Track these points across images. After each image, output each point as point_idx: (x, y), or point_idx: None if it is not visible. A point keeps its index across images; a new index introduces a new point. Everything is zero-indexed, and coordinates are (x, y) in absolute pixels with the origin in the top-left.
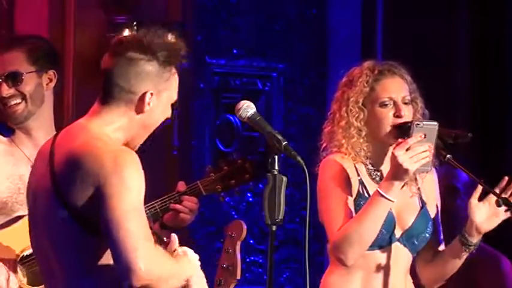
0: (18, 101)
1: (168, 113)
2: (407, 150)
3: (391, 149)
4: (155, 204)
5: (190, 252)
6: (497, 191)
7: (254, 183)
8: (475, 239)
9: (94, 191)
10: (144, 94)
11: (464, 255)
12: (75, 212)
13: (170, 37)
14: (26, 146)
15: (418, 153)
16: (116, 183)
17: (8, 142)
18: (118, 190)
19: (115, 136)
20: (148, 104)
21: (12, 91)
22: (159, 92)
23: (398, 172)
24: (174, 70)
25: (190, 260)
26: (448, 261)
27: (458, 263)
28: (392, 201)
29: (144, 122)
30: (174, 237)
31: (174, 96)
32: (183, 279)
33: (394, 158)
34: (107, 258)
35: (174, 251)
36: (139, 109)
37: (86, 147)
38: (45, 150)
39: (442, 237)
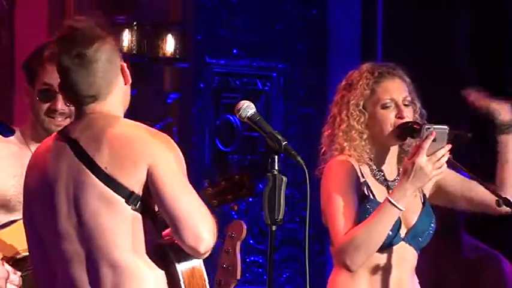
0: (66, 118)
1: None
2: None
3: (392, 149)
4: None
5: None
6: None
7: (254, 183)
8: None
9: (145, 171)
10: (122, 67)
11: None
12: (125, 194)
13: (86, 20)
14: (35, 146)
15: (439, 158)
16: (168, 162)
17: (19, 142)
18: (171, 168)
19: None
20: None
21: (66, 109)
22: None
23: (419, 179)
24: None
25: None
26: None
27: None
28: (402, 210)
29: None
30: None
31: None
32: None
33: (417, 167)
34: (150, 236)
35: None
36: (126, 80)
37: (130, 132)
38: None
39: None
